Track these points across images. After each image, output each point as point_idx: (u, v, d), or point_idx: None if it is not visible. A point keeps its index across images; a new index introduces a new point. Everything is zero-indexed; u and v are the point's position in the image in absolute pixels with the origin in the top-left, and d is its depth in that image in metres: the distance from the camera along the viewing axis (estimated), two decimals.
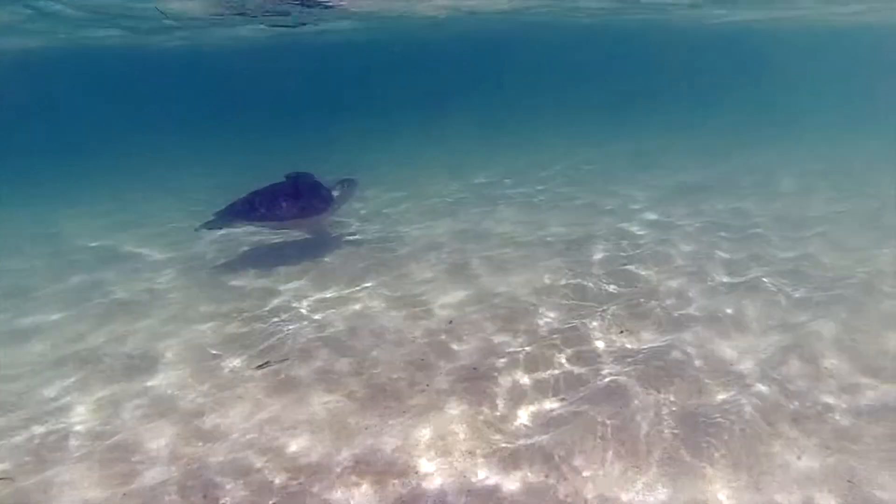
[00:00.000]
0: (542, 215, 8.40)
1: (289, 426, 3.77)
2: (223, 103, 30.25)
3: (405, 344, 4.74)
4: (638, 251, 6.66)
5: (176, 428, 3.81)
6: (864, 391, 3.95)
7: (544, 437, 3.53)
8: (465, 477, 3.26)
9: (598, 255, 6.56)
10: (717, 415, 3.70)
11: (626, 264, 6.26)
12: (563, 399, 3.92)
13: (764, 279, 5.76)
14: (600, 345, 4.60)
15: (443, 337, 4.81)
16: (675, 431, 3.56)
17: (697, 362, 4.32)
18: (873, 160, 11.73)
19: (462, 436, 3.59)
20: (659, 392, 3.95)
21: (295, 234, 7.71)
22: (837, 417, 3.69)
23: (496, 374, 4.23)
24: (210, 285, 6.28)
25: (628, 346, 4.59)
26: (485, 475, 3.26)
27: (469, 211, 8.78)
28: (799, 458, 3.35)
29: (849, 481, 3.17)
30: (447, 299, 5.54)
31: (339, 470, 3.35)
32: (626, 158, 12.73)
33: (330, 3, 11.17)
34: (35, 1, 9.62)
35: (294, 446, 3.58)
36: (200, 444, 3.64)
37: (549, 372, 4.24)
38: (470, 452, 3.45)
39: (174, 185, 12.09)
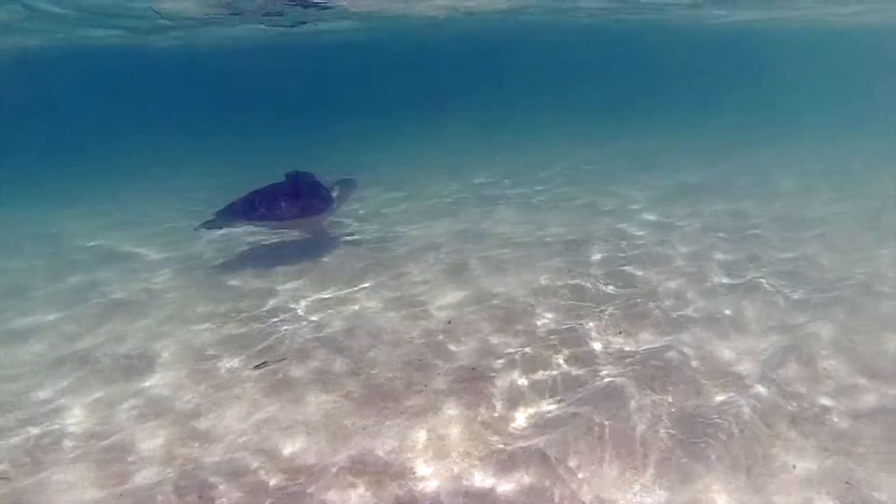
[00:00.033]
0: (542, 216, 8.39)
1: (286, 427, 3.76)
2: (223, 103, 30.25)
3: (403, 344, 4.73)
4: (637, 252, 6.65)
5: (172, 428, 3.80)
6: (862, 393, 3.94)
7: (542, 439, 3.52)
8: (462, 478, 3.25)
9: (596, 256, 6.55)
10: (716, 416, 3.69)
11: (624, 265, 6.25)
12: (560, 400, 3.91)
13: (763, 280, 5.75)
14: (598, 346, 4.59)
15: (441, 337, 4.80)
16: (673, 433, 3.54)
17: (696, 363, 4.31)
18: (873, 160, 11.72)
19: (460, 437, 3.58)
20: (657, 393, 3.94)
21: (293, 234, 7.71)
22: (836, 419, 3.68)
23: (494, 374, 4.22)
24: (208, 285, 6.27)
25: (626, 347, 4.57)
26: (482, 477, 3.25)
27: (468, 211, 8.77)
28: (797, 459, 3.33)
29: (847, 483, 3.16)
30: (445, 300, 5.53)
31: (335, 471, 3.34)
32: (626, 158, 12.72)
33: (328, 4, 11.15)
34: (31, 0, 9.60)
35: (291, 447, 3.57)
36: (196, 444, 3.63)
37: (546, 373, 4.23)
38: (467, 453, 3.43)
39: (174, 184, 12.08)
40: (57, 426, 3.90)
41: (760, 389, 3.97)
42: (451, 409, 3.84)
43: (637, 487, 3.15)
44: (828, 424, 3.63)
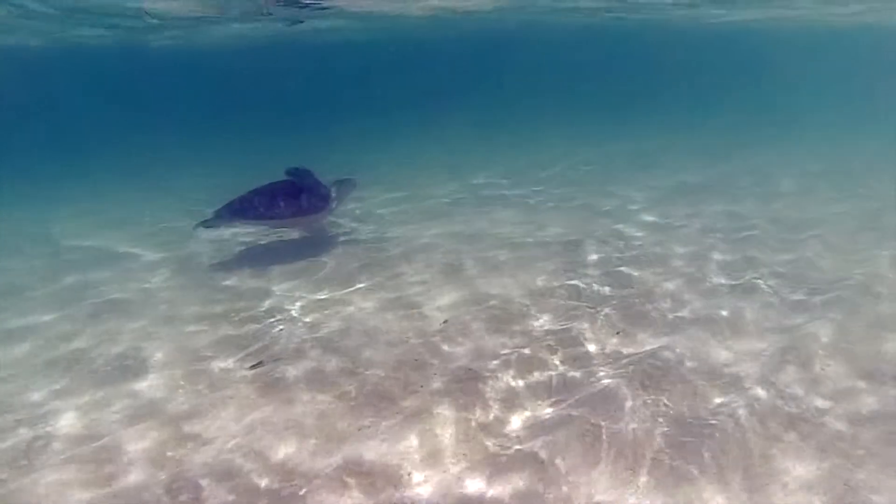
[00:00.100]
0: (540, 216, 8.36)
1: (280, 428, 3.73)
2: (222, 103, 30.22)
3: (399, 345, 4.70)
4: (635, 252, 6.62)
5: (165, 430, 3.77)
6: (861, 395, 3.91)
7: (537, 441, 3.49)
8: (457, 481, 3.22)
9: (594, 257, 6.52)
10: (713, 419, 3.66)
11: (622, 266, 6.22)
12: (556, 402, 3.88)
13: (761, 281, 5.73)
14: (595, 347, 4.57)
15: (437, 338, 4.77)
16: (670, 435, 3.52)
17: (693, 365, 4.29)
18: (873, 160, 11.69)
19: (455, 439, 3.55)
20: (654, 395, 3.91)
21: (290, 234, 7.69)
22: (834, 421, 3.65)
23: (490, 375, 4.19)
24: (204, 285, 6.24)
25: (623, 348, 4.55)
26: (477, 480, 3.23)
27: (466, 211, 8.75)
28: (795, 462, 3.31)
29: (845, 484, 3.13)
30: (442, 300, 5.50)
31: (329, 473, 3.31)
32: (626, 159, 12.69)
33: (324, 4, 11.13)
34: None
35: (285, 448, 3.54)
36: (190, 445, 3.61)
37: (543, 374, 4.20)
38: (463, 456, 3.41)
39: (173, 184, 12.06)
40: (50, 427, 3.87)
41: (758, 391, 3.94)
42: (447, 411, 3.81)
43: (633, 490, 3.12)
44: (826, 426, 3.60)
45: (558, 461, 3.33)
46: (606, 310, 5.15)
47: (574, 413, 3.74)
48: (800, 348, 4.47)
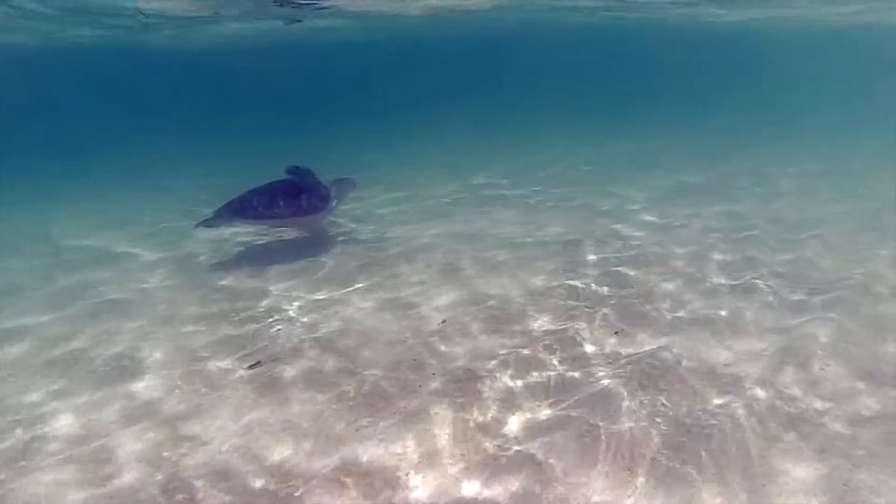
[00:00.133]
0: (540, 216, 8.35)
1: (278, 428, 3.72)
2: (222, 103, 30.22)
3: (397, 345, 4.69)
4: (634, 253, 6.61)
5: (163, 431, 3.76)
6: (860, 395, 3.90)
7: (535, 442, 3.48)
8: (455, 481, 3.21)
9: (593, 257, 6.51)
10: (712, 419, 3.65)
11: (621, 266, 6.21)
12: (555, 402, 3.87)
13: (761, 281, 5.71)
14: (594, 347, 4.55)
15: (435, 338, 4.76)
16: (669, 436, 3.50)
17: (692, 365, 4.27)
18: (873, 160, 11.68)
19: (453, 440, 3.54)
20: (652, 396, 3.90)
21: (289, 234, 7.68)
22: (833, 422, 3.64)
23: (488, 376, 4.18)
24: (202, 285, 6.23)
25: (622, 348, 4.53)
26: (475, 480, 3.21)
27: (466, 211, 8.74)
28: (794, 463, 3.29)
29: (845, 485, 3.12)
30: (441, 300, 5.49)
31: (328, 473, 3.30)
32: (626, 158, 12.69)
33: (321, 4, 11.12)
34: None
35: (282, 449, 3.53)
36: (188, 445, 3.60)
37: (541, 374, 4.19)
38: (461, 455, 3.40)
39: (173, 184, 12.05)
40: (47, 428, 3.86)
41: (757, 392, 3.93)
42: (445, 411, 3.80)
43: (632, 491, 3.11)
44: (825, 427, 3.59)
45: (556, 462, 3.32)
46: (605, 310, 5.14)
47: (572, 413, 3.73)
48: (799, 349, 4.46)
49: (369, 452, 3.46)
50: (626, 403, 3.81)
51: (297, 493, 3.16)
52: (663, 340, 4.62)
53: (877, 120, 16.80)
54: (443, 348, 4.61)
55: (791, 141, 14.42)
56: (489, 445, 3.48)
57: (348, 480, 3.25)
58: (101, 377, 4.47)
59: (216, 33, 15.25)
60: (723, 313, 5.07)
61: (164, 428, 3.79)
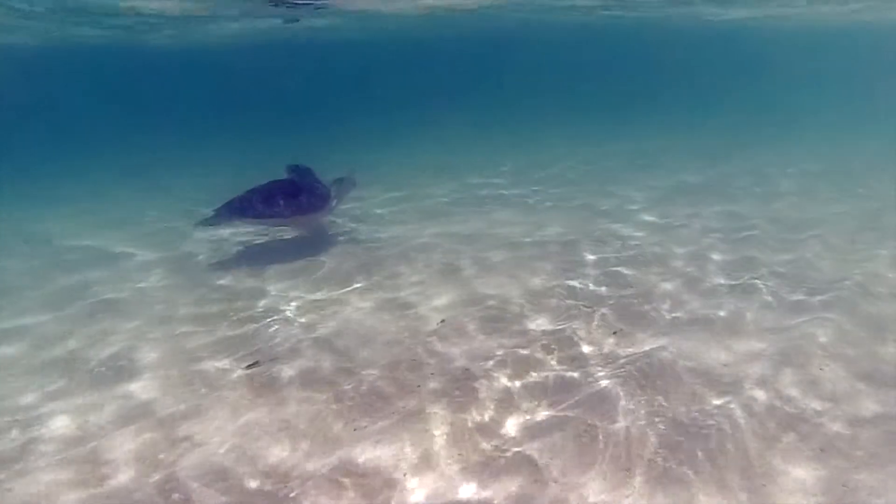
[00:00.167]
0: (539, 216, 8.34)
1: (275, 428, 3.71)
2: (223, 102, 30.20)
3: (395, 345, 4.68)
4: (633, 253, 6.60)
5: (159, 431, 3.75)
6: (859, 396, 3.89)
7: (533, 443, 3.47)
8: (453, 482, 3.20)
9: (592, 257, 6.50)
10: (711, 419, 3.64)
11: (620, 266, 6.19)
12: (553, 403, 3.85)
13: (760, 282, 5.70)
14: (592, 348, 4.54)
15: (434, 338, 4.75)
16: (667, 436, 3.49)
17: (691, 366, 4.26)
18: (873, 160, 11.67)
19: (451, 440, 3.53)
20: (651, 397, 3.88)
21: (287, 234, 7.67)
22: (833, 422, 3.62)
23: (487, 376, 4.17)
24: (200, 285, 6.22)
25: (621, 349, 4.52)
26: (472, 481, 3.20)
27: (465, 211, 8.72)
28: (793, 464, 3.28)
29: (844, 486, 3.11)
30: (439, 300, 5.48)
31: (325, 473, 3.29)
32: (626, 158, 12.68)
33: (317, 4, 11.11)
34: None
35: (279, 449, 3.52)
36: (185, 446, 3.58)
37: (539, 375, 4.18)
38: (459, 456, 3.39)
39: (172, 183, 12.03)
40: (44, 429, 3.85)
41: (756, 392, 3.91)
42: (443, 412, 3.79)
43: (629, 493, 3.10)
44: (825, 427, 3.57)
45: (554, 463, 3.31)
46: (604, 310, 5.13)
47: (570, 414, 3.72)
48: (798, 349, 4.44)
49: (367, 453, 3.45)
50: (624, 404, 3.80)
51: (294, 494, 3.15)
52: (662, 340, 4.60)
53: (877, 120, 16.80)
54: (441, 348, 4.59)
55: (791, 141, 14.41)
56: (487, 446, 3.47)
57: (346, 481, 3.24)
58: (98, 378, 4.46)
59: (215, 32, 15.24)
60: (722, 313, 5.06)
61: (160, 428, 3.78)
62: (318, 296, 5.73)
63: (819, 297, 5.32)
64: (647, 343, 4.58)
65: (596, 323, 4.91)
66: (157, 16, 11.51)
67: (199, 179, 12.12)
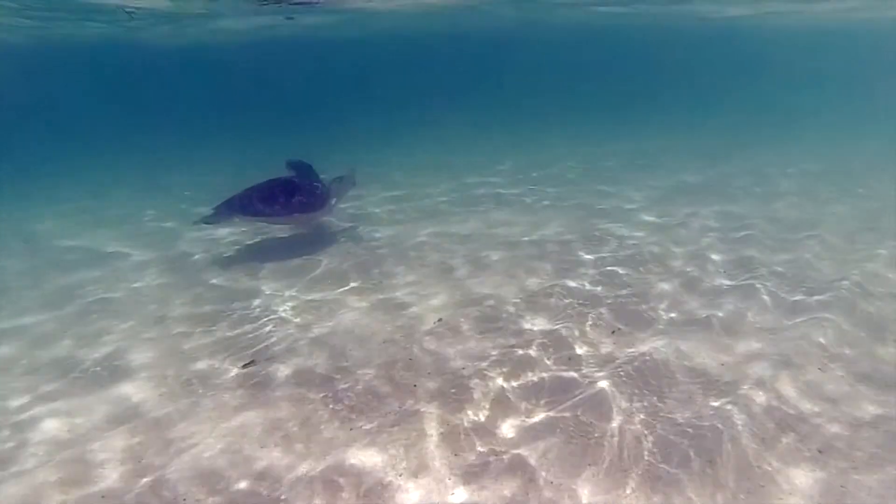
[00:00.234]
0: (537, 216, 8.31)
1: (269, 429, 3.68)
2: (222, 102, 30.18)
3: (391, 345, 4.65)
4: (631, 252, 6.56)
5: (151, 433, 3.72)
6: (858, 397, 3.86)
7: (529, 444, 3.44)
8: (447, 483, 3.17)
9: (591, 256, 6.46)
10: (708, 421, 3.60)
11: (618, 266, 6.16)
12: (548, 403, 3.82)
13: (759, 282, 5.66)
14: (589, 348, 4.51)
15: (430, 338, 4.72)
16: (663, 438, 3.46)
17: (689, 367, 4.23)
18: (873, 160, 11.64)
19: (446, 441, 3.50)
20: (647, 399, 3.85)
21: (284, 233, 7.64)
22: (831, 424, 3.59)
23: (483, 376, 4.14)
24: (196, 284, 6.19)
25: (618, 349, 4.49)
26: (468, 482, 3.17)
27: (463, 211, 8.69)
28: (792, 466, 3.25)
29: (842, 487, 3.08)
30: (436, 300, 5.45)
31: (319, 474, 3.26)
32: (626, 158, 12.64)
33: (315, 1, 11.07)
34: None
35: (273, 450, 3.49)
36: (178, 447, 3.55)
37: (536, 375, 4.14)
38: (455, 456, 3.36)
39: (172, 182, 12.00)
40: (34, 431, 3.82)
41: (754, 395, 3.88)
42: (439, 412, 3.76)
43: (624, 495, 3.07)
44: (823, 429, 3.54)
45: (549, 464, 3.28)
46: (601, 310, 5.10)
47: (566, 414, 3.69)
48: (797, 349, 4.41)
49: (361, 454, 3.42)
50: (620, 405, 3.77)
51: (289, 495, 3.12)
52: (660, 342, 4.57)
53: (877, 120, 16.77)
54: (437, 348, 4.56)
55: (791, 141, 14.38)
56: (482, 447, 3.44)
57: (340, 481, 3.21)
58: (91, 379, 4.43)
59: (216, 32, 15.21)
60: (720, 313, 5.02)
61: (154, 429, 3.75)
62: (314, 295, 5.70)
63: (818, 298, 5.29)
64: (644, 343, 4.55)
65: (593, 323, 4.88)
66: (148, 13, 11.46)
67: (201, 179, 12.08)
